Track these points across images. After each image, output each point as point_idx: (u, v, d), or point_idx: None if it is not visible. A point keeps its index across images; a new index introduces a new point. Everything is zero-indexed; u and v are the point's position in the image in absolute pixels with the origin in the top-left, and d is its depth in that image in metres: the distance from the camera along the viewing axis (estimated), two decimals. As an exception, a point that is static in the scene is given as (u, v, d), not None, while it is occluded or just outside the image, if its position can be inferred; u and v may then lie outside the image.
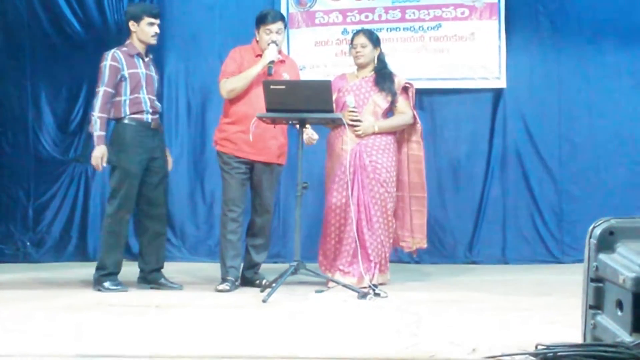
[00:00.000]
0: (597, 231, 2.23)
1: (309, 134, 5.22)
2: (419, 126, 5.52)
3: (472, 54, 6.74)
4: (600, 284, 2.19)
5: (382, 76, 5.46)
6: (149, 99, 5.25)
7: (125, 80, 5.15)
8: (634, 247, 2.10)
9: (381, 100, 5.42)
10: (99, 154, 5.08)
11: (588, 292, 2.26)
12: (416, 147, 5.53)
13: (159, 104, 5.41)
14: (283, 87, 4.87)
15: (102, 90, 5.11)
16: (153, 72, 5.35)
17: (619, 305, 2.04)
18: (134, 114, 5.16)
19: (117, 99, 5.14)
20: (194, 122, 7.16)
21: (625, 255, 2.11)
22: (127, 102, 5.15)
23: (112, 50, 5.21)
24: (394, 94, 5.42)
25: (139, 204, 5.32)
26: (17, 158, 7.18)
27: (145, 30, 5.23)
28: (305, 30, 6.97)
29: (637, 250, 2.08)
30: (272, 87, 4.80)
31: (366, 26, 6.44)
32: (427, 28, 6.79)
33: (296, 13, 6.98)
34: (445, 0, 6.78)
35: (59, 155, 7.16)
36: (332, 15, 6.93)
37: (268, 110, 4.82)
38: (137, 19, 5.23)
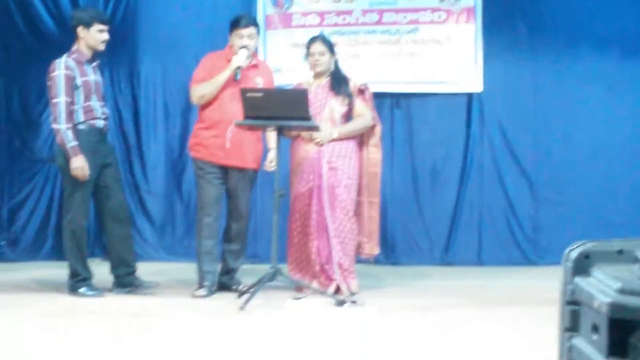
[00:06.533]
0: (573, 255, 2.24)
1: (270, 158, 5.27)
2: (378, 128, 5.44)
3: (448, 57, 6.73)
4: (576, 307, 2.21)
5: (337, 80, 5.37)
6: (100, 105, 5.19)
7: (78, 88, 5.04)
8: (610, 271, 2.12)
9: (338, 105, 5.32)
10: (79, 165, 4.95)
11: (564, 314, 2.28)
12: (374, 151, 5.44)
13: (107, 110, 5.35)
14: (260, 94, 4.86)
15: (62, 100, 4.97)
16: (100, 78, 5.28)
17: (595, 329, 2.06)
18: (87, 120, 5.08)
19: (71, 107, 5.02)
20: (171, 122, 7.09)
21: (601, 279, 2.13)
22: (80, 110, 5.05)
23: (62, 59, 5.07)
24: (350, 96, 5.33)
25: (102, 211, 5.28)
26: (-10, 157, 7.09)
27: (96, 36, 5.13)
28: (282, 32, 6.92)
29: (612, 275, 2.09)
30: (248, 94, 4.78)
31: (343, 29, 6.42)
32: (404, 32, 6.77)
33: (273, 15, 6.92)
34: (422, 4, 6.76)
35: (32, 154, 7.08)
36: (310, 17, 6.90)
37: (245, 117, 4.82)
38: (87, 24, 5.11)
